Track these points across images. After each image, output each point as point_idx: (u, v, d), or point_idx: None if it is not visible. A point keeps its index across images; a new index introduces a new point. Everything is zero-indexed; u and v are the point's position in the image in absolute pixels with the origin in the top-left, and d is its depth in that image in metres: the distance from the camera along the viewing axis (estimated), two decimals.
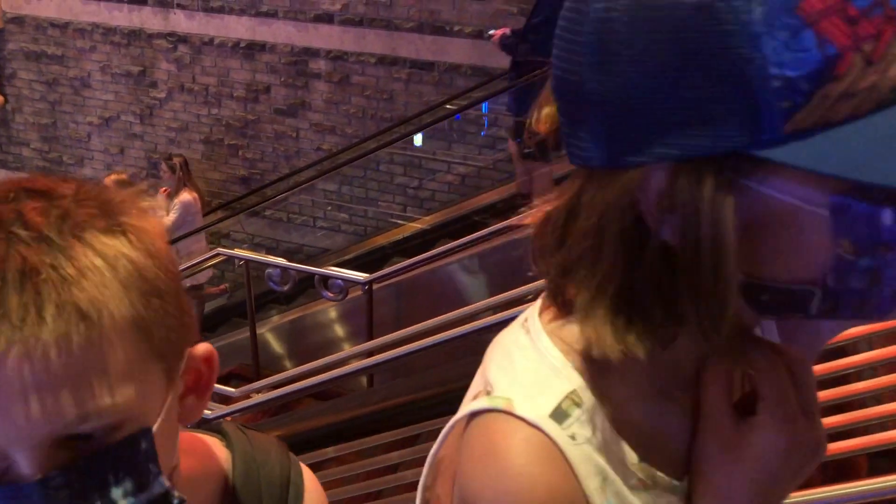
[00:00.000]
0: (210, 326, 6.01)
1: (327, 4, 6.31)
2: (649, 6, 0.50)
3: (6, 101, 8.07)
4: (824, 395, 1.75)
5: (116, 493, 0.55)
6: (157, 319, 0.57)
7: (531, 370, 0.63)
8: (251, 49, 6.73)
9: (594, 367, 0.62)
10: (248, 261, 4.67)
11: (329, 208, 6.84)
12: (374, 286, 4.39)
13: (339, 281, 4.48)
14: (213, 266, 5.56)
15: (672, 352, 0.61)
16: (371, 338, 4.29)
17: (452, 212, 6.00)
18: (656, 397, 0.64)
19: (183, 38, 6.98)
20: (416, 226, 6.26)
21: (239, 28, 6.73)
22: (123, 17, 7.16)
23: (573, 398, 0.61)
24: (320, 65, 6.53)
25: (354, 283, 4.36)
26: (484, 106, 5.96)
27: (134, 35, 7.18)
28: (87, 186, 0.58)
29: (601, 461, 0.61)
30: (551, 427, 0.60)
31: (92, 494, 0.55)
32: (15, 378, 0.51)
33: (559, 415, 0.60)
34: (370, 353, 3.87)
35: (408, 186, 6.56)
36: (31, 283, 0.51)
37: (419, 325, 3.51)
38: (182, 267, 5.18)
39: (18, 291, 0.51)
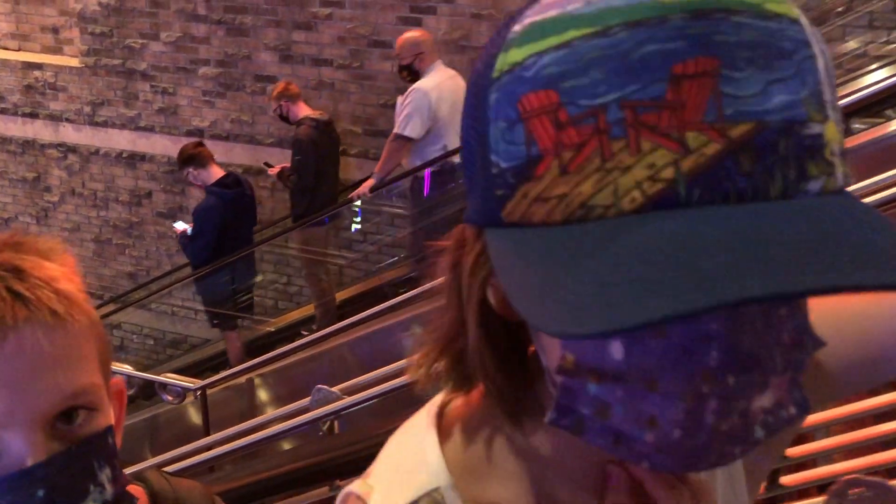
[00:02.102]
0: None
1: (197, 121, 6.97)
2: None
3: None
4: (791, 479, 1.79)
5: (102, 477, 0.61)
6: (101, 335, 0.67)
7: (402, 459, 0.62)
8: (133, 159, 7.35)
9: (470, 463, 0.59)
10: None
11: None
12: (209, 390, 4.94)
13: (177, 387, 5.04)
14: None
15: (558, 449, 0.56)
16: (207, 434, 4.77)
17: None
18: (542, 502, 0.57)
19: (72, 149, 7.59)
20: (284, 319, 6.82)
21: (121, 140, 7.35)
22: (17, 129, 7.76)
23: (434, 496, 0.57)
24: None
25: (188, 389, 4.92)
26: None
27: (28, 144, 7.78)
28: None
29: None
30: None
31: (85, 478, 0.60)
32: (22, 358, 0.59)
33: None
34: (208, 448, 4.25)
35: (277, 283, 7.15)
36: (21, 284, 0.60)
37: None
38: None
39: (12, 293, 0.60)
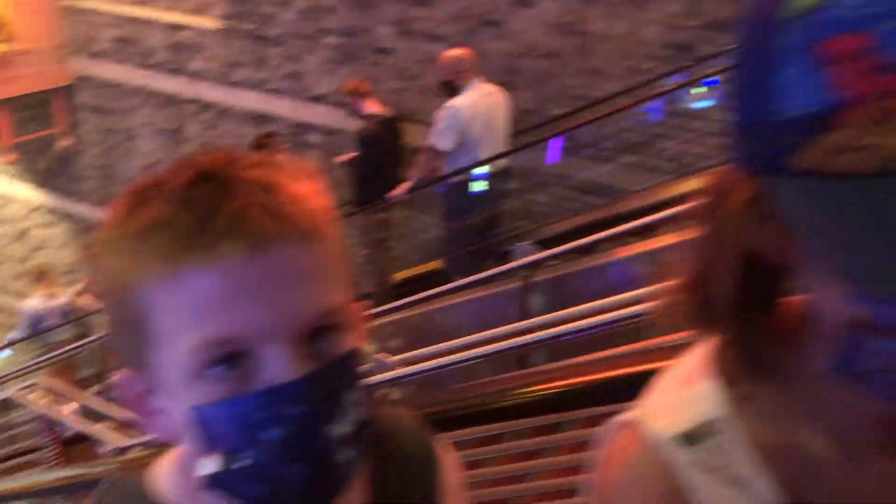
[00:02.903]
0: None
1: (319, 88, 7.37)
2: None
3: (74, 142, 9.54)
4: None
5: (348, 401, 0.60)
6: (348, 256, 0.65)
7: (675, 393, 0.62)
8: (260, 119, 7.86)
9: (748, 400, 0.59)
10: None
11: None
12: None
13: None
14: None
15: (812, 400, 0.56)
16: None
17: None
18: (824, 443, 0.57)
19: (208, 105, 8.19)
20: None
21: (251, 100, 7.87)
22: (162, 84, 8.44)
23: (711, 427, 0.59)
24: (315, 137, 7.60)
25: None
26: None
27: (170, 99, 8.46)
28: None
29: (729, 495, 0.58)
30: (671, 448, 0.59)
31: (333, 400, 0.59)
32: (276, 273, 0.57)
33: (688, 439, 0.59)
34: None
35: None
36: (277, 199, 0.58)
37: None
38: None
39: (269, 208, 0.57)
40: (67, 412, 4.33)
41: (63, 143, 9.52)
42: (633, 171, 5.93)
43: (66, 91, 9.31)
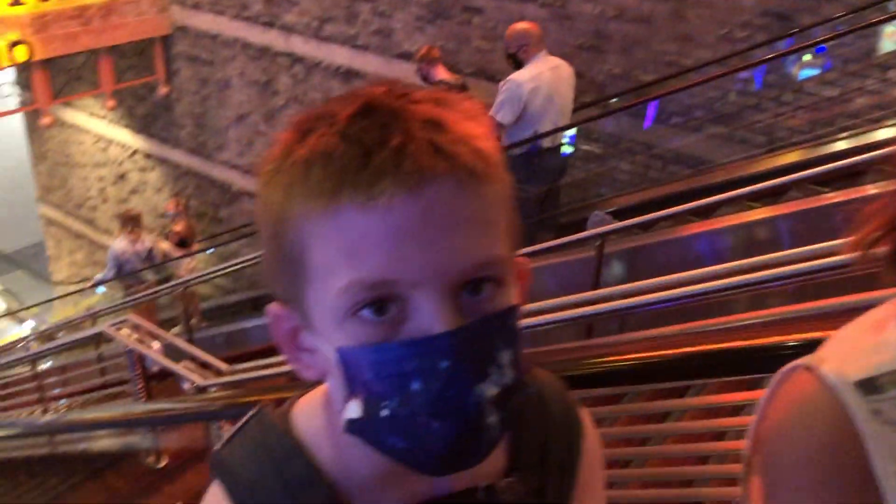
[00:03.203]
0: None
1: (407, 45, 7.39)
2: None
3: (171, 91, 9.86)
4: None
5: (503, 359, 0.56)
6: (512, 205, 0.60)
7: (860, 340, 0.61)
8: (348, 74, 7.95)
9: None
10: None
11: None
12: None
13: None
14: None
15: None
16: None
17: None
18: None
19: (299, 59, 8.33)
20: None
21: (341, 56, 7.96)
22: (256, 36, 8.61)
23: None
24: None
25: None
26: None
27: (263, 51, 8.63)
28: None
29: None
30: (850, 394, 0.57)
31: (487, 357, 0.55)
32: (437, 215, 0.53)
33: (869, 387, 0.57)
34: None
35: None
36: (443, 137, 0.54)
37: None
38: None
39: (433, 145, 0.54)
40: (153, 349, 4.57)
41: (161, 91, 9.86)
42: (723, 142, 5.76)
43: (165, 41, 9.62)
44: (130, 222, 7.34)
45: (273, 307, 0.62)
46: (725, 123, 5.73)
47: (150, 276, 7.44)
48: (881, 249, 0.57)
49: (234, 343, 6.87)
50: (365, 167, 0.53)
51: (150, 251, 7.35)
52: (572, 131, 5.74)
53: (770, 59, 5.22)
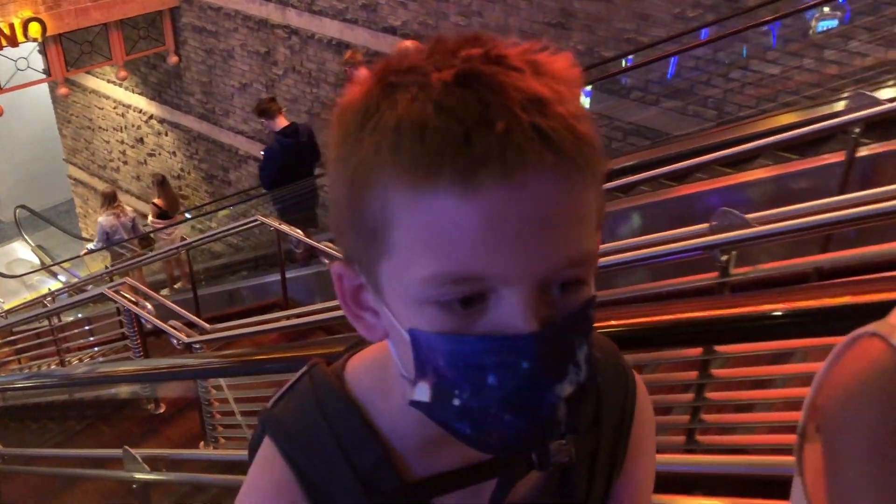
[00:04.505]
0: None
1: (392, 19, 7.79)
2: None
3: (180, 60, 10.37)
4: None
5: (580, 356, 0.54)
6: (603, 192, 0.55)
7: None
8: (340, 46, 8.37)
9: None
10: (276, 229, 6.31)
11: None
12: None
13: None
14: (253, 228, 7.14)
15: None
16: None
17: None
18: None
19: (294, 31, 8.76)
20: None
21: (332, 28, 8.38)
22: (255, 9, 9.04)
23: None
24: None
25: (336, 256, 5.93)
26: None
27: (262, 23, 9.07)
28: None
29: None
30: None
31: (566, 356, 0.53)
32: (538, 210, 0.50)
33: None
34: None
35: None
36: (547, 121, 0.49)
37: None
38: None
39: (539, 131, 0.49)
40: (147, 310, 5.14)
41: (171, 59, 10.36)
42: (677, 116, 6.12)
43: (173, 12, 10.08)
44: (111, 199, 8.22)
45: (336, 267, 0.59)
46: (680, 98, 6.08)
47: (135, 244, 8.40)
48: None
49: (236, 300, 7.46)
50: (466, 151, 0.49)
51: (134, 220, 8.28)
52: None
53: (718, 38, 5.55)
